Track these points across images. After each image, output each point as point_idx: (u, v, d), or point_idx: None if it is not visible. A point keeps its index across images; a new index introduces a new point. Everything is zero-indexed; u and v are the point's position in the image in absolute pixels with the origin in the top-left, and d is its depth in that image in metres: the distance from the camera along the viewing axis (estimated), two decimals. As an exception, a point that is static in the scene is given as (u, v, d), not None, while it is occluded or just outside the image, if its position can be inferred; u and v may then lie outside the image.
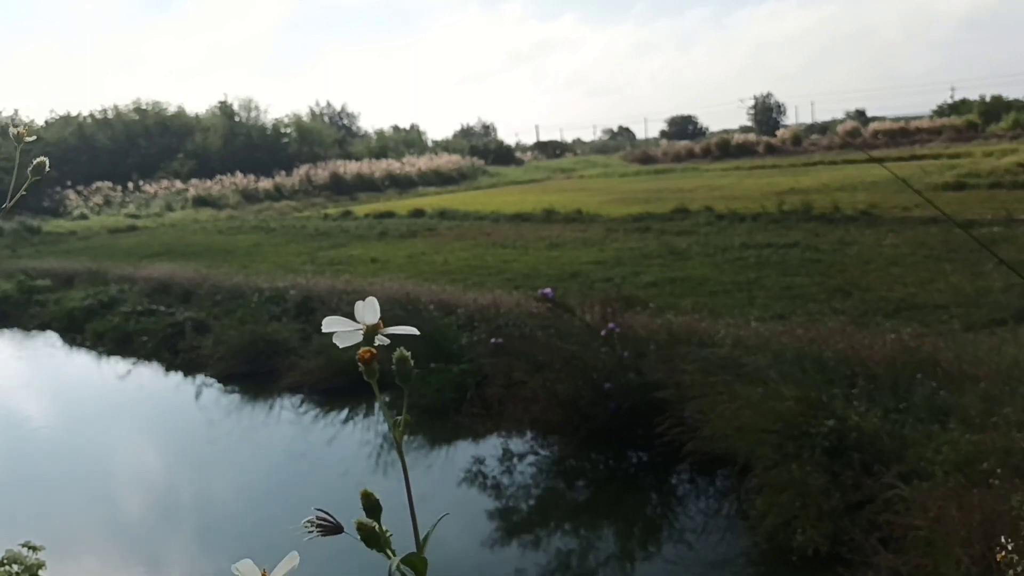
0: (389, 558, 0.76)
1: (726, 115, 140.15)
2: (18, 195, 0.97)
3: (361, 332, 0.82)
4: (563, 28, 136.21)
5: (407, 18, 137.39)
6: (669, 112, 76.92)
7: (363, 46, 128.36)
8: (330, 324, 0.82)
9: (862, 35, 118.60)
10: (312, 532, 0.78)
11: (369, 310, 0.83)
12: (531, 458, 6.97)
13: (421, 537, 0.78)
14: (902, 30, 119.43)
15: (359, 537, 0.77)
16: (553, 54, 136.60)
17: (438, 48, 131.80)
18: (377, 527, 0.77)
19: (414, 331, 0.82)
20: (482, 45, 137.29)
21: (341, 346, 0.81)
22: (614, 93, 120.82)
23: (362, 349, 0.81)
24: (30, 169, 0.98)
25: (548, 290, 7.97)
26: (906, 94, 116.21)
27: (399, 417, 0.81)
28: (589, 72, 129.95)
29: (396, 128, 52.29)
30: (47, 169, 0.99)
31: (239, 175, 33.98)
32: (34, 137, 1.02)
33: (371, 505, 0.79)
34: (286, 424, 8.56)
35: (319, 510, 0.79)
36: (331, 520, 0.78)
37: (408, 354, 0.82)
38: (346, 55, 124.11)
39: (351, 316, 0.83)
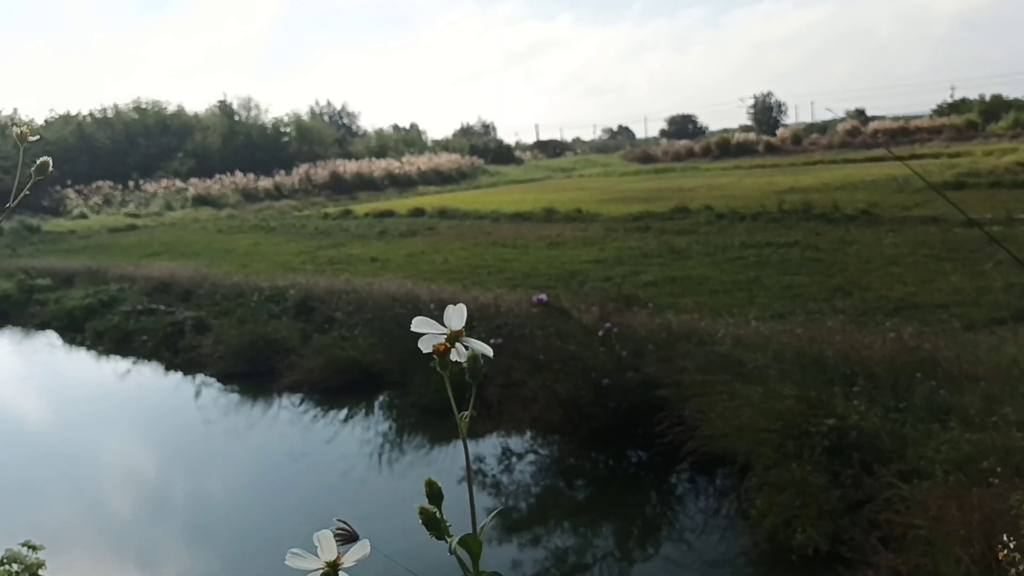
0: (447, 541, 0.84)
1: (726, 114, 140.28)
2: (22, 195, 0.97)
3: (444, 336, 0.88)
4: (560, 28, 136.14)
5: (406, 18, 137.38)
6: (667, 111, 77.02)
7: (362, 46, 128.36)
8: (419, 324, 0.89)
9: (858, 35, 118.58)
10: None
11: (456, 316, 0.89)
12: (531, 457, 6.98)
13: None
14: (898, 30, 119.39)
15: (420, 521, 0.83)
16: (551, 53, 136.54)
17: (437, 48, 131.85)
18: (438, 513, 0.84)
19: (489, 351, 0.89)
20: (480, 45, 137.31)
21: (425, 351, 0.88)
22: (612, 93, 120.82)
23: (437, 343, 0.87)
24: (33, 169, 0.97)
25: (543, 296, 8.04)
26: (904, 93, 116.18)
27: (465, 412, 0.86)
28: (587, 72, 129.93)
29: (396, 127, 52.32)
30: (51, 169, 0.98)
31: (239, 174, 33.98)
32: (37, 137, 1.02)
33: (434, 493, 0.86)
34: (286, 423, 8.56)
35: (341, 520, 0.83)
36: (349, 529, 0.83)
37: (479, 354, 0.89)
38: (345, 55, 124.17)
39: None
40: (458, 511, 0.87)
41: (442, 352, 0.86)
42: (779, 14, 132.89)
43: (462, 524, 0.83)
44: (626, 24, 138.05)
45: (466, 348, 0.88)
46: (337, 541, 0.81)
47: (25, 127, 1.00)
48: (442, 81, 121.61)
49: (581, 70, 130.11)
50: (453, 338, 0.87)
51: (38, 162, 0.97)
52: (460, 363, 0.87)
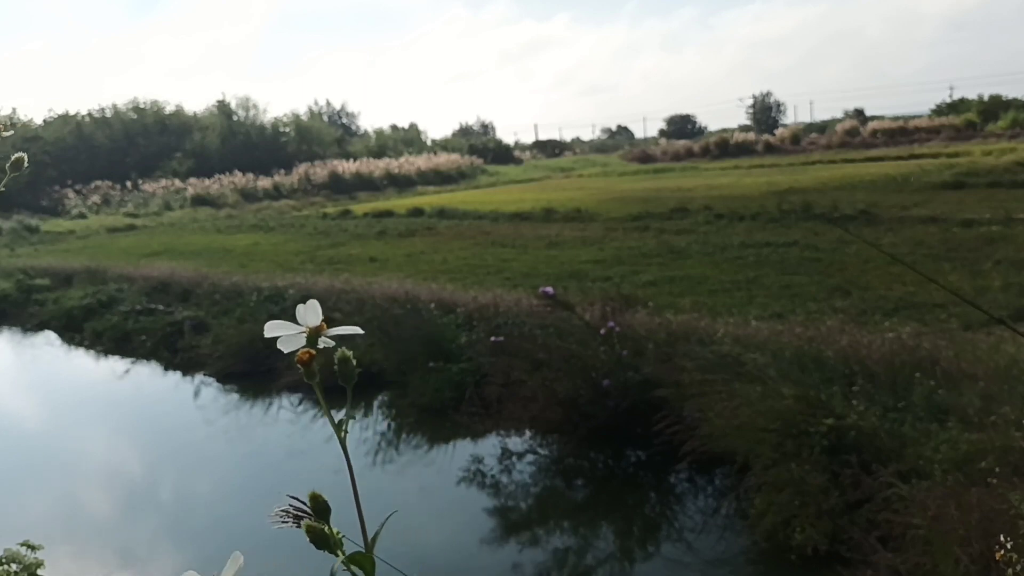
0: (337, 557, 0.75)
1: (725, 114, 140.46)
2: None
3: (304, 335, 0.79)
4: (556, 27, 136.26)
5: (404, 17, 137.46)
6: (663, 111, 77.03)
7: (360, 46, 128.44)
8: (272, 328, 0.79)
9: (853, 35, 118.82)
10: (286, 522, 0.77)
11: (311, 312, 0.79)
12: (530, 457, 6.97)
13: (371, 535, 0.77)
14: (892, 30, 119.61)
15: (308, 539, 0.75)
16: (547, 53, 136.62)
17: (435, 48, 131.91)
18: (327, 529, 0.76)
19: (358, 331, 0.80)
20: (478, 45, 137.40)
21: (285, 351, 0.79)
22: (607, 92, 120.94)
23: (301, 351, 0.78)
24: (8, 165, 0.94)
25: (549, 288, 7.97)
26: (903, 93, 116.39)
27: (343, 418, 0.80)
28: (582, 71, 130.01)
29: (395, 127, 52.31)
30: (25, 165, 0.95)
31: (238, 174, 33.97)
32: (11, 132, 0.97)
33: (320, 508, 0.78)
34: (284, 423, 8.56)
35: (292, 497, 0.77)
36: (306, 510, 0.77)
37: (350, 354, 0.80)
38: (344, 55, 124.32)
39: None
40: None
41: (306, 361, 0.78)
42: (772, 14, 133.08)
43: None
44: (621, 23, 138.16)
45: (333, 340, 0.80)
46: (290, 523, 0.77)
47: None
48: (440, 81, 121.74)
49: (576, 69, 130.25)
50: (313, 335, 0.79)
51: (12, 158, 0.94)
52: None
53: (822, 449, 5.07)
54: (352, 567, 0.73)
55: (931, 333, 6.73)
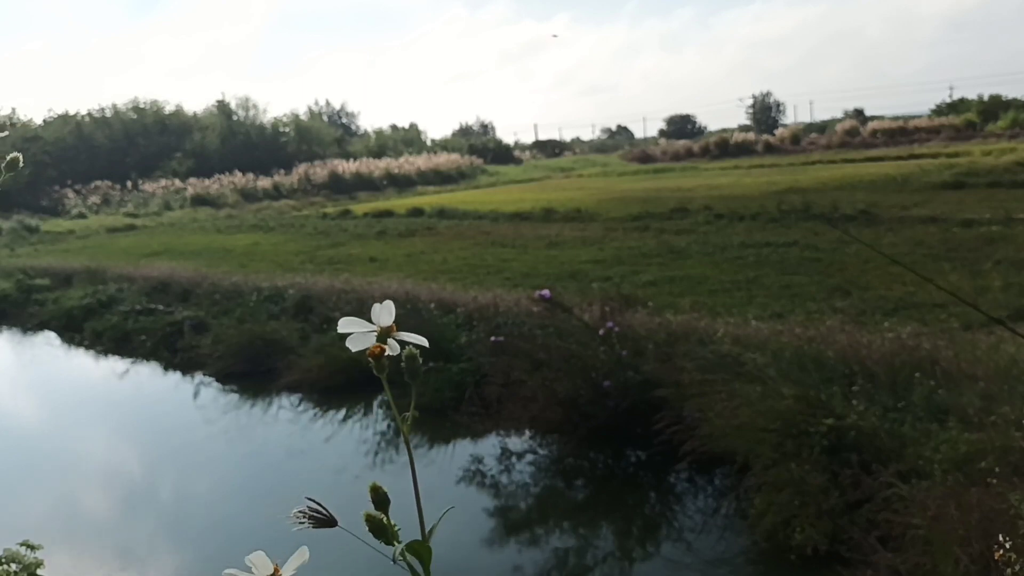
0: (394, 547, 0.79)
1: (725, 114, 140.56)
2: None
3: (375, 335, 0.85)
4: (555, 28, 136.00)
5: (404, 18, 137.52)
6: (663, 111, 77.08)
7: (360, 46, 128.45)
8: (346, 325, 0.85)
9: (853, 35, 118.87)
10: (304, 523, 0.79)
11: (385, 313, 0.85)
12: (530, 457, 6.98)
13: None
14: (892, 30, 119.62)
15: (367, 528, 0.80)
16: (546, 53, 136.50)
17: (435, 47, 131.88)
18: (385, 519, 0.80)
19: (424, 342, 0.86)
20: (477, 44, 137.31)
21: (354, 350, 0.85)
22: (607, 92, 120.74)
23: (373, 345, 0.84)
24: (3, 165, 0.94)
25: (546, 291, 7.98)
26: (903, 93, 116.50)
27: (407, 413, 0.85)
28: (582, 71, 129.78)
29: (395, 127, 52.29)
30: (20, 165, 0.95)
31: (238, 174, 33.95)
32: (6, 133, 0.97)
33: (380, 499, 0.82)
34: (284, 423, 8.56)
35: (310, 499, 0.80)
36: (324, 512, 0.79)
37: (417, 352, 0.86)
38: (343, 54, 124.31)
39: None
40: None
41: (377, 354, 0.83)
42: (772, 14, 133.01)
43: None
44: (620, 23, 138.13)
45: (400, 343, 0.86)
46: (310, 524, 0.80)
47: None
48: (440, 81, 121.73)
49: (576, 69, 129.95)
50: (384, 335, 0.85)
51: (8, 158, 0.94)
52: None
53: (822, 449, 5.07)
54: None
55: (931, 333, 6.73)
